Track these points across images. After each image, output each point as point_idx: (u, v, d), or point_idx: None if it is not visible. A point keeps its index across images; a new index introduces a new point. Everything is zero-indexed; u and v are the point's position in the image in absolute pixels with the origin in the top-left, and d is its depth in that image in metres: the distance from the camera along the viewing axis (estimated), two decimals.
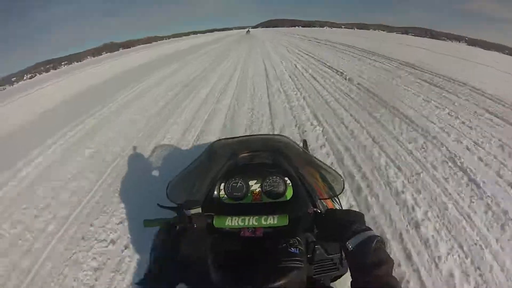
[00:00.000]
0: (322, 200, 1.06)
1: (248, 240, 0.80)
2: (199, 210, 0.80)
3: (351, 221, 0.69)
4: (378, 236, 0.63)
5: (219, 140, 1.30)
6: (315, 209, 0.84)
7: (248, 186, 1.05)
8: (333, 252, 0.83)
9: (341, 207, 1.30)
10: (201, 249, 0.76)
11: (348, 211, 0.76)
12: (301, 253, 0.70)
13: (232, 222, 0.81)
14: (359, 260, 0.61)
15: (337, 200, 1.29)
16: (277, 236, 0.75)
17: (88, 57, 38.98)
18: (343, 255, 0.77)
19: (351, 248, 0.63)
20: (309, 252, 0.77)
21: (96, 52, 42.12)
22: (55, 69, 29.27)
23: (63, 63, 33.67)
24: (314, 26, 63.02)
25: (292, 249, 0.70)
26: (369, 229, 0.67)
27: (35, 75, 25.50)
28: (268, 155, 1.17)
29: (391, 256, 0.62)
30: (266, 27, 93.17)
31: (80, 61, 33.10)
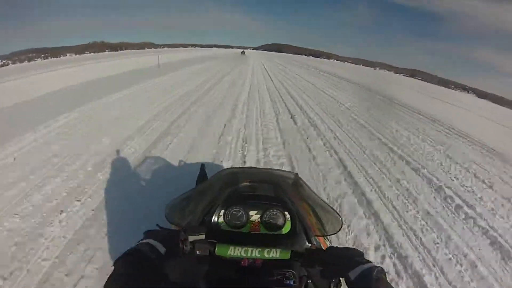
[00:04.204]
0: (316, 237, 1.16)
1: (246, 269, 0.85)
2: (202, 236, 0.87)
3: (352, 255, 0.76)
4: (379, 266, 0.68)
5: (228, 168, 1.45)
6: (315, 246, 1.01)
7: (248, 216, 1.12)
8: (321, 287, 0.88)
9: (330, 244, 1.39)
10: (198, 276, 0.84)
11: (348, 248, 0.83)
12: (295, 285, 0.79)
13: (235, 252, 0.86)
14: None
15: (329, 238, 1.39)
16: (274, 268, 0.83)
17: (68, 54, 37.96)
18: None
19: (353, 279, 0.68)
20: (301, 285, 0.83)
21: (81, 50, 41.15)
22: (29, 61, 27.85)
23: (43, 55, 32.24)
24: (321, 57, 67.13)
25: (287, 281, 0.78)
26: (370, 262, 0.72)
27: (8, 63, 23.73)
28: (271, 188, 1.29)
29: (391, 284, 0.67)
30: (269, 50, 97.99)
31: (57, 57, 32.04)
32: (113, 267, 0.66)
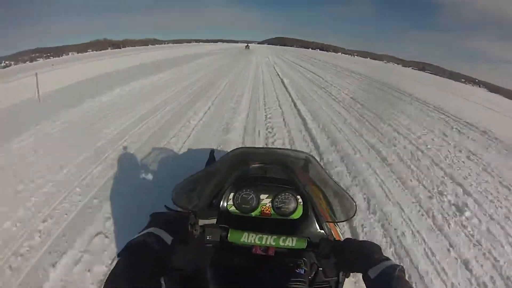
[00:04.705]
0: (327, 223, 1.10)
1: (257, 257, 0.83)
2: (213, 221, 0.89)
3: (371, 251, 0.73)
4: (400, 265, 0.67)
5: (239, 148, 1.31)
6: (327, 233, 1.01)
7: (259, 200, 1.09)
8: (331, 276, 0.86)
9: (342, 232, 1.33)
10: (208, 262, 0.82)
11: (366, 242, 0.80)
12: (305, 274, 0.77)
13: (249, 238, 0.83)
14: None
15: (338, 224, 1.32)
16: (285, 255, 0.82)
17: (70, 53, 38.07)
18: (340, 279, 0.87)
19: (373, 277, 0.66)
20: (311, 273, 0.82)
21: (83, 48, 41.25)
22: (32, 62, 28.03)
23: (45, 54, 32.46)
24: (328, 51, 65.98)
25: (298, 269, 0.76)
26: (389, 259, 0.70)
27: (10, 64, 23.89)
28: (282, 170, 1.22)
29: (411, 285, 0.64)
30: (273, 44, 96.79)
31: (60, 56, 32.20)
32: (118, 258, 0.64)
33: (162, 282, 0.72)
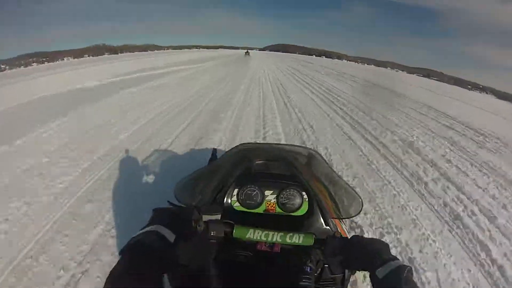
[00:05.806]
0: (332, 219, 1.09)
1: (262, 254, 0.83)
2: (218, 216, 0.89)
3: (378, 249, 0.72)
4: (408, 266, 0.66)
5: (242, 144, 1.33)
6: (333, 229, 0.97)
7: (264, 196, 1.08)
8: (337, 272, 0.86)
9: (347, 228, 1.32)
10: (212, 258, 0.83)
11: (374, 240, 0.78)
12: (312, 271, 0.77)
13: (254, 235, 0.83)
14: None
15: (344, 221, 1.31)
16: (292, 253, 0.82)
17: (65, 58, 37.81)
18: (346, 276, 0.87)
19: (381, 277, 0.65)
20: (317, 270, 0.82)
21: (80, 53, 41.17)
22: (26, 67, 27.73)
23: (41, 59, 32.34)
24: (331, 57, 65.93)
25: (305, 266, 0.76)
26: (397, 258, 0.69)
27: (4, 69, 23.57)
28: (287, 166, 1.21)
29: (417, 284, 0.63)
30: (275, 51, 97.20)
31: (54, 62, 31.93)
32: (119, 256, 0.64)
33: (166, 279, 0.68)
